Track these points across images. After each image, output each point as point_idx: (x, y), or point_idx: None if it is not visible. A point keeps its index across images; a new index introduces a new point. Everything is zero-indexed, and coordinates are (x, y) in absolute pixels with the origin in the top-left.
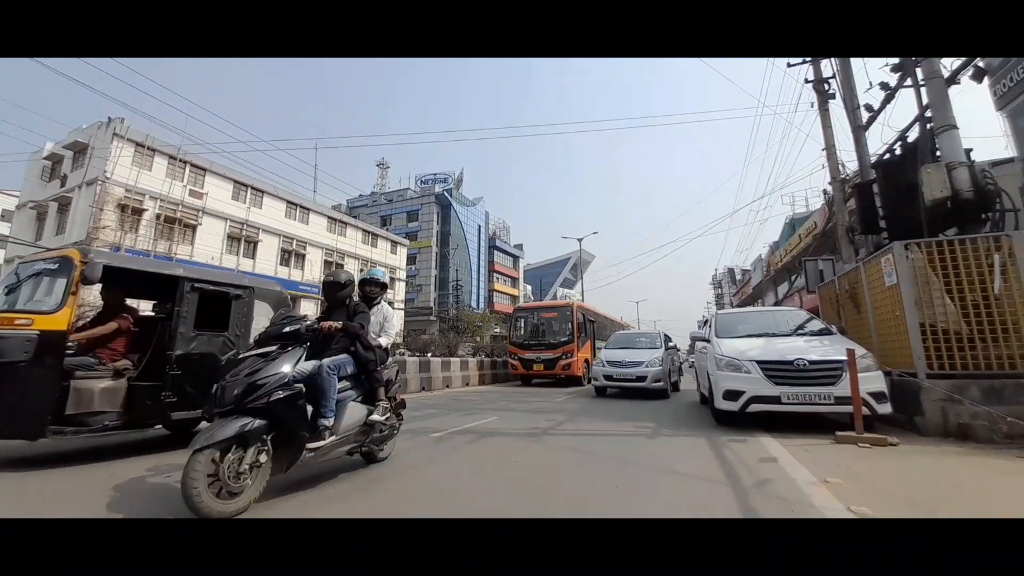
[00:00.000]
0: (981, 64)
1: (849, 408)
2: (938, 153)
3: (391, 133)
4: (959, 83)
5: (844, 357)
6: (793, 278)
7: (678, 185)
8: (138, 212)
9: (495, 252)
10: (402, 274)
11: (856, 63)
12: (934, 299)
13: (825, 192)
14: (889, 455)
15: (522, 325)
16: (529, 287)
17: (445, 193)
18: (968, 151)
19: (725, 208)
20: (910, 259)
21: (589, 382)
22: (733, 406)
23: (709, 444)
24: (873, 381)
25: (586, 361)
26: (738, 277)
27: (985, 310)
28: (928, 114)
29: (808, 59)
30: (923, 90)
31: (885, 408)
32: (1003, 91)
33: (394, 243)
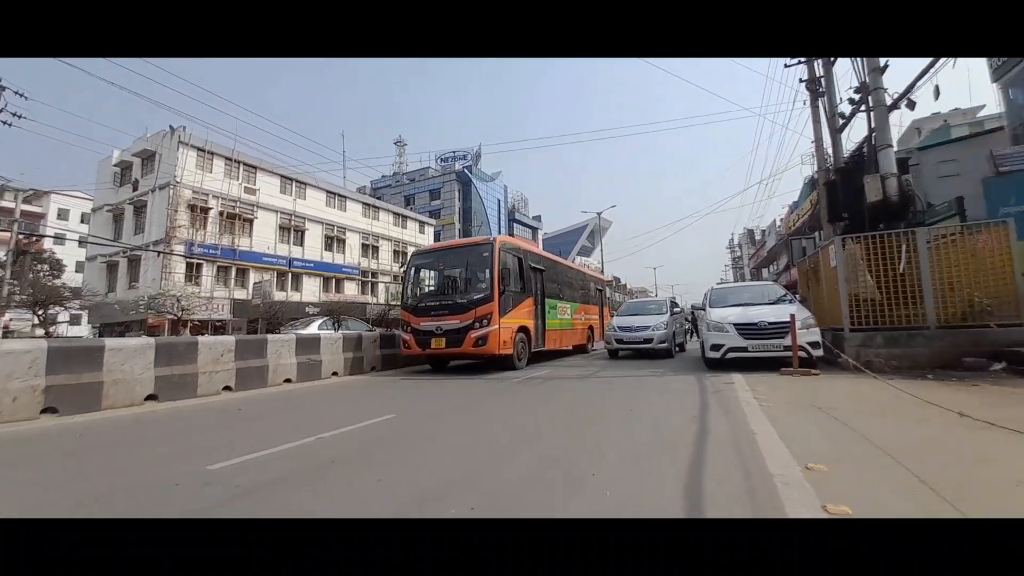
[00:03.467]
0: (913, 98)
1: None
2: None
3: (405, 113)
4: (899, 107)
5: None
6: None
7: (692, 163)
8: (204, 211)
9: (514, 225)
10: None
11: (839, 72)
12: (859, 277)
13: (813, 179)
14: (808, 380)
15: (418, 280)
16: None
17: (465, 170)
18: (903, 161)
19: (738, 185)
20: (846, 249)
21: (524, 364)
22: (716, 355)
23: (696, 378)
24: (812, 335)
25: (524, 332)
26: (757, 238)
27: (893, 284)
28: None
29: (803, 60)
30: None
31: (818, 352)
32: (998, 63)
33: (421, 223)
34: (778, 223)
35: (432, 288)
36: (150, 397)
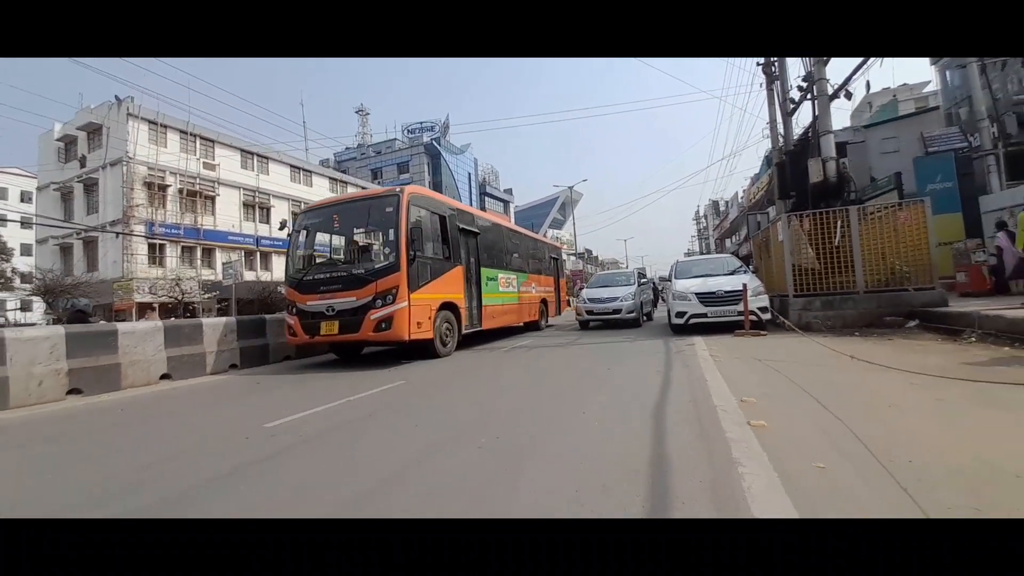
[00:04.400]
0: (851, 89)
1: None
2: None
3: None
4: (839, 97)
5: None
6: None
7: (661, 141)
8: (162, 188)
9: (485, 199)
10: None
11: (791, 60)
12: (801, 249)
13: (767, 159)
14: (756, 339)
15: (308, 246)
16: None
17: (433, 142)
18: (841, 145)
19: (701, 162)
20: (791, 225)
21: (451, 349)
22: (680, 321)
23: (663, 341)
24: (761, 301)
25: (451, 309)
26: (722, 209)
27: (830, 255)
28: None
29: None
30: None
31: (767, 316)
32: None
33: None
34: (740, 196)
35: (324, 257)
36: (164, 376)
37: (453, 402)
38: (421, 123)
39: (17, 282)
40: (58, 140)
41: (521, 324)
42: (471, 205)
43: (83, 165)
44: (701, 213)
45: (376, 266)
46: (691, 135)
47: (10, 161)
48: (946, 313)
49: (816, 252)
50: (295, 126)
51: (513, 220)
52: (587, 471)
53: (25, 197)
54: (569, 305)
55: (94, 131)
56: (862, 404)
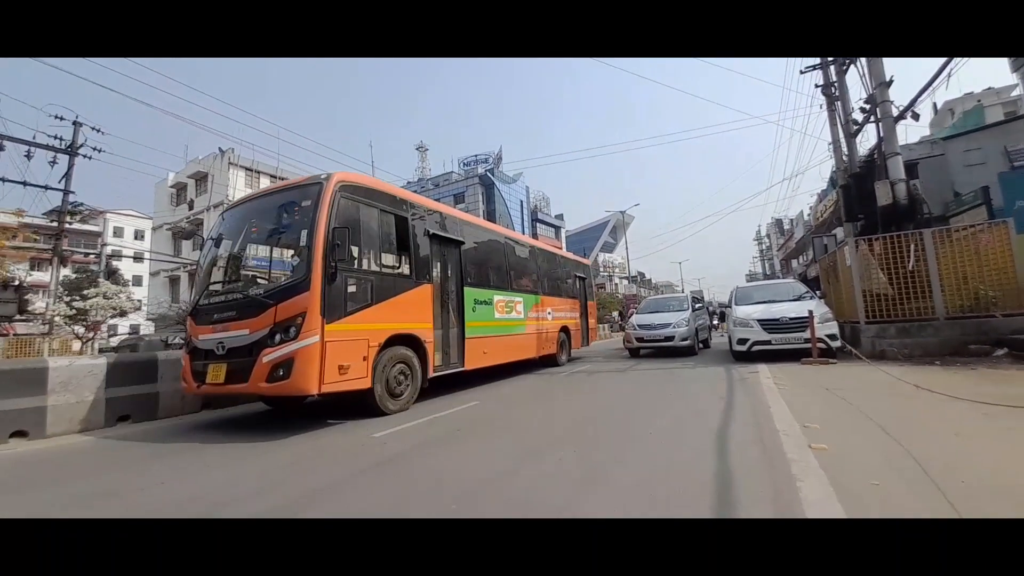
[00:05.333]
0: (918, 111)
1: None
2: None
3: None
4: (906, 118)
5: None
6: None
7: (718, 161)
8: None
9: (537, 225)
10: None
11: (850, 82)
12: (872, 274)
13: (832, 178)
14: (824, 368)
15: (212, 259)
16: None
17: (487, 173)
18: (912, 166)
19: (761, 183)
20: (859, 249)
21: (403, 405)
22: (743, 348)
23: (724, 369)
24: (830, 327)
25: (409, 347)
26: (786, 227)
27: (904, 280)
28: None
29: (816, 66)
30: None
31: (836, 343)
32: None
33: None
34: (806, 214)
35: (221, 273)
36: (205, 406)
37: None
38: (476, 156)
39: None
40: (171, 187)
41: (534, 358)
42: (524, 232)
43: (191, 208)
44: (763, 233)
45: (277, 284)
46: (750, 155)
47: (125, 205)
48: None
49: (888, 277)
50: (364, 166)
51: (564, 245)
52: (659, 483)
53: (138, 235)
54: (599, 334)
55: (201, 178)
56: (927, 431)
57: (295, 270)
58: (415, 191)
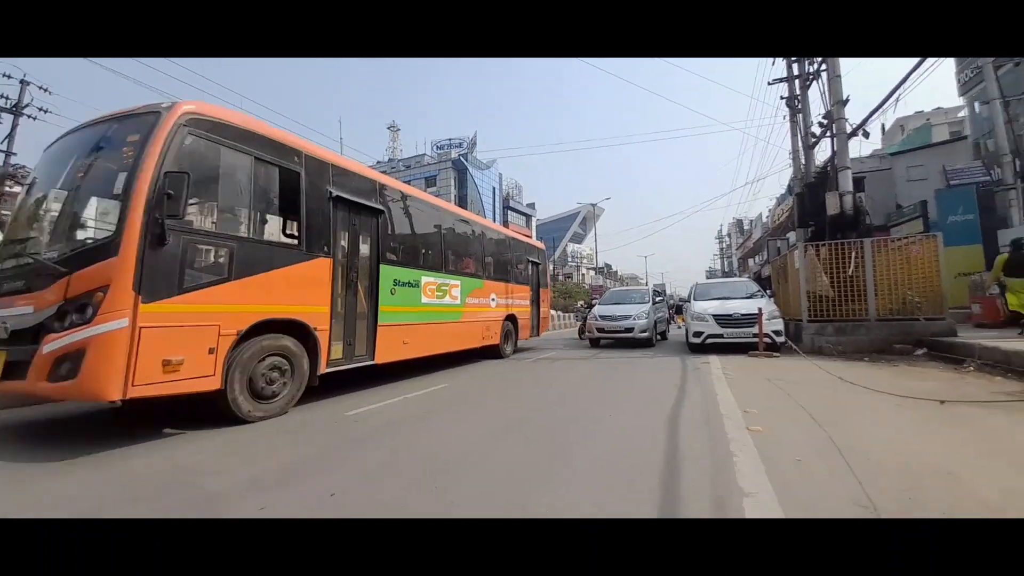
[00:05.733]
0: (868, 129)
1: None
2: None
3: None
4: (857, 135)
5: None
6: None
7: (684, 165)
8: None
9: (509, 212)
10: None
11: (812, 96)
12: (816, 277)
13: (790, 186)
14: (768, 361)
15: (19, 209)
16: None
17: (461, 158)
18: (859, 180)
19: (726, 186)
20: (807, 254)
21: (254, 402)
22: (698, 341)
23: (679, 359)
24: (776, 324)
25: (292, 334)
26: (746, 227)
27: (845, 284)
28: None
29: (784, 79)
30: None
31: (781, 339)
32: (965, 79)
33: None
34: (764, 216)
35: (22, 228)
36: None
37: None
38: (450, 140)
39: None
40: None
41: (474, 349)
42: (495, 219)
43: None
44: (724, 232)
45: (76, 246)
46: (718, 158)
47: None
48: (951, 343)
49: (831, 280)
50: (333, 143)
51: (535, 234)
52: (621, 456)
53: None
54: (565, 323)
55: None
56: (846, 418)
57: (107, 227)
58: (384, 171)
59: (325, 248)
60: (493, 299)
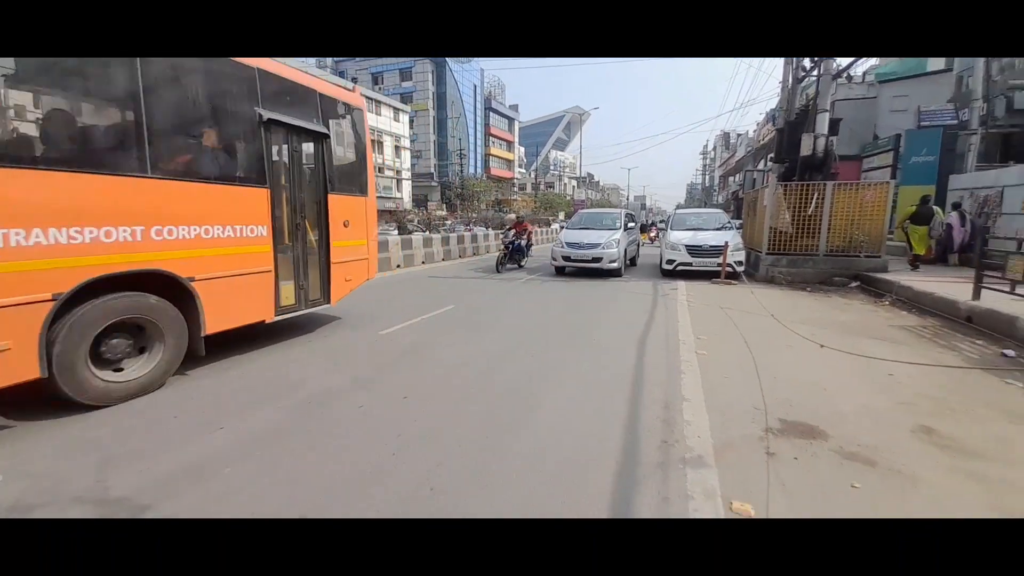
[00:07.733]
0: (852, 73)
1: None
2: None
3: None
4: (841, 78)
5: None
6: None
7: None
8: None
9: (491, 114)
10: (407, 142)
11: None
12: (780, 214)
13: (773, 116)
14: (728, 288)
15: None
16: (523, 149)
17: None
18: (835, 123)
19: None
20: (776, 193)
21: None
22: (670, 267)
23: (651, 283)
24: (739, 255)
25: None
26: (732, 141)
27: (804, 222)
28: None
29: None
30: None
31: (741, 268)
32: None
33: (396, 109)
34: (751, 133)
35: None
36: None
37: None
38: None
39: None
40: None
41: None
42: (476, 120)
43: None
44: (710, 147)
45: None
46: (710, 79)
47: None
48: (879, 279)
49: (792, 218)
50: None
51: (517, 137)
52: (600, 368)
53: None
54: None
55: None
56: (771, 344)
57: None
58: (353, 57)
59: None
60: (153, 232)
